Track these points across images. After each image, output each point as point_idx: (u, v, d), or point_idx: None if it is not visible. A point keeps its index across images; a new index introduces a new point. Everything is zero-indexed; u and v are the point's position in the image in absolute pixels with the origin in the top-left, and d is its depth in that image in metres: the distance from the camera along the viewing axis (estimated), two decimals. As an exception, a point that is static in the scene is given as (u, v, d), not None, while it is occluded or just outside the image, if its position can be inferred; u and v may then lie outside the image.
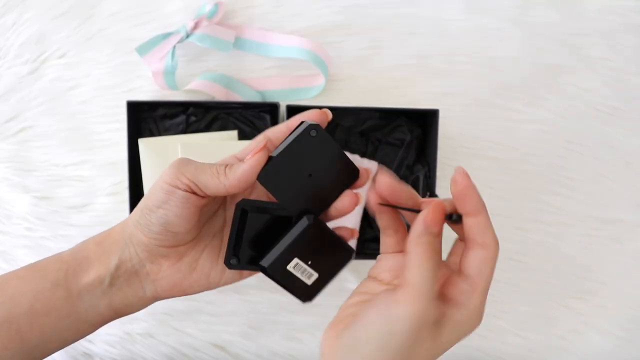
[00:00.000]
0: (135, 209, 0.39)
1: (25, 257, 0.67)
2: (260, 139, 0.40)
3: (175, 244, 0.39)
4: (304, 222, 0.36)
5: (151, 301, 0.42)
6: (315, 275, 0.37)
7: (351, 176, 0.38)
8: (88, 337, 0.68)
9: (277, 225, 0.38)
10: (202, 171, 0.37)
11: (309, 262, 0.37)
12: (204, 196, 0.37)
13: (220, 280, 0.41)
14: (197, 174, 0.36)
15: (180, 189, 0.36)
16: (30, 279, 0.39)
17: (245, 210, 0.37)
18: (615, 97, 0.68)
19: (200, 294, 0.67)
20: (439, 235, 0.32)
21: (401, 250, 0.37)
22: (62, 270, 0.39)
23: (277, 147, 0.39)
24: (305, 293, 0.37)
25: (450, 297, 0.33)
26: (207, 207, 0.40)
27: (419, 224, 0.31)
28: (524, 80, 0.68)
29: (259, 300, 0.68)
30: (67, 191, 0.67)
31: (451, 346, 0.33)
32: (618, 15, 0.68)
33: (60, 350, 0.68)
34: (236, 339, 0.68)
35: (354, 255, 0.38)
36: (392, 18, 0.67)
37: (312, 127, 0.36)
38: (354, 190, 0.38)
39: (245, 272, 0.41)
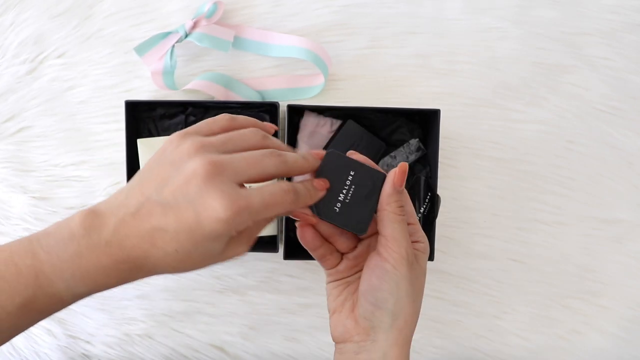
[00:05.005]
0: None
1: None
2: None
3: None
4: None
5: None
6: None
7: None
8: (86, 338, 0.68)
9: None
10: None
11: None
12: None
13: None
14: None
15: None
16: None
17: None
18: (615, 97, 0.68)
19: (200, 294, 0.67)
20: (402, 192, 0.39)
21: (344, 277, 0.42)
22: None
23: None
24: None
25: (412, 237, 0.41)
26: None
27: (388, 185, 0.39)
28: (524, 80, 0.68)
29: (258, 301, 0.68)
30: (66, 191, 0.67)
31: (426, 270, 0.42)
32: (618, 14, 0.68)
33: (58, 351, 0.68)
34: (236, 340, 0.68)
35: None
36: (392, 17, 0.67)
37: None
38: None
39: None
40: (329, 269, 0.43)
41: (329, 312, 0.43)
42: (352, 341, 0.40)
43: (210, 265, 0.35)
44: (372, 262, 0.39)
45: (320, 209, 0.38)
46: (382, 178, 0.39)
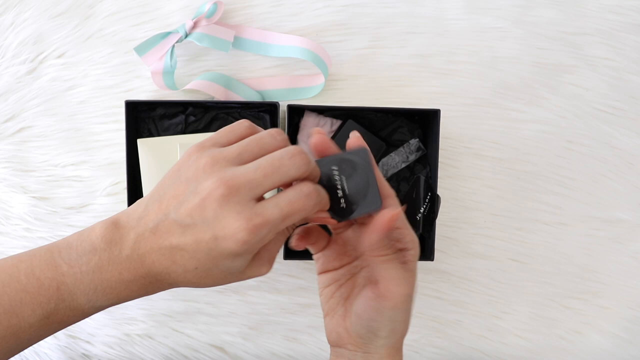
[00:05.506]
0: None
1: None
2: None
3: None
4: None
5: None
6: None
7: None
8: (87, 338, 0.68)
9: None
10: None
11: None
12: None
13: None
14: None
15: None
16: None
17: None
18: (616, 97, 0.68)
19: (200, 294, 0.67)
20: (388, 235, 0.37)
21: (332, 268, 0.41)
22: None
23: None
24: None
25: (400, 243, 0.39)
26: None
27: (375, 234, 0.35)
28: (524, 80, 0.68)
29: (258, 301, 0.68)
30: (66, 192, 0.67)
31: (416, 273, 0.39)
32: (619, 14, 0.68)
33: (58, 351, 0.68)
34: (235, 340, 0.68)
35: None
36: (392, 17, 0.67)
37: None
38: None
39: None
40: (316, 252, 0.41)
41: (322, 311, 0.42)
42: (346, 348, 0.39)
43: (232, 282, 0.35)
44: (370, 293, 0.37)
45: (335, 213, 0.38)
46: (362, 152, 0.38)
